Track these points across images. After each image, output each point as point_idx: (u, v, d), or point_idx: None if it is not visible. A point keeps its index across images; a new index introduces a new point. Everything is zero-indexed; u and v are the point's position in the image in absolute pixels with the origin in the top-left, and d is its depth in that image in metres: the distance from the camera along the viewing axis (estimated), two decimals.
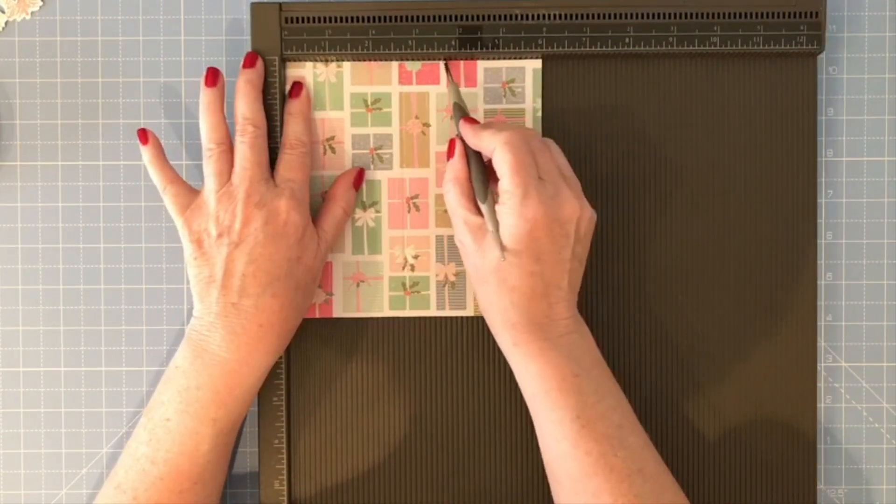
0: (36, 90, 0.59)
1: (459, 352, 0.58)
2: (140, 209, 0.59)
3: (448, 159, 0.57)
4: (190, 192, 0.55)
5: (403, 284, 0.59)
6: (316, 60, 0.58)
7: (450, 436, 0.58)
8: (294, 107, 0.57)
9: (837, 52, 0.59)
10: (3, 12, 0.59)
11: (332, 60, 0.58)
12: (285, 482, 0.58)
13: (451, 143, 0.57)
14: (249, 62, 0.56)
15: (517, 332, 0.52)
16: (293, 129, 0.57)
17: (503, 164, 0.52)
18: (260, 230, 0.54)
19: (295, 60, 0.58)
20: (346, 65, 0.58)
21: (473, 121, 0.56)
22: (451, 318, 0.59)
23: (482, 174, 0.55)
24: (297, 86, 0.58)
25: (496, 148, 0.53)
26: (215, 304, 0.54)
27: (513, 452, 0.58)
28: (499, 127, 0.54)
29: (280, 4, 0.57)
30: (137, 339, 0.59)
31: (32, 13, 0.59)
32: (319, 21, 0.57)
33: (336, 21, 0.57)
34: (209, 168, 0.55)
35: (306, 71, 0.58)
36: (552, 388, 0.52)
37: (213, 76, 0.56)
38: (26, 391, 0.59)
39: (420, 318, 0.59)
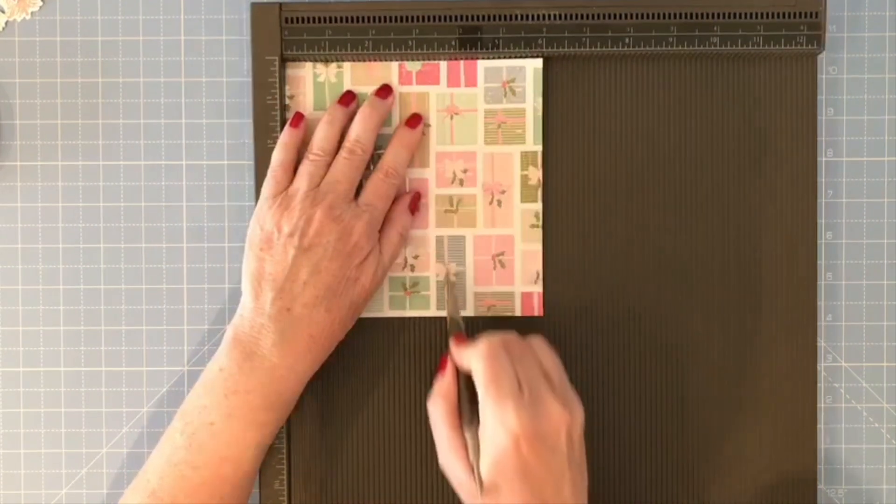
0: (36, 90, 0.59)
1: None
2: (140, 209, 0.59)
3: (438, 375, 0.54)
4: (286, 187, 0.56)
5: (403, 284, 0.59)
6: (316, 60, 0.58)
7: None
8: (407, 138, 0.57)
9: (837, 52, 0.59)
10: (3, 12, 0.59)
11: (333, 60, 0.58)
12: (285, 482, 0.58)
13: (444, 360, 0.55)
14: (384, 93, 0.57)
15: None
16: (397, 158, 0.57)
17: (477, 376, 0.51)
18: (331, 244, 0.53)
19: (295, 60, 0.58)
20: (346, 65, 0.58)
21: (463, 339, 0.54)
22: None
23: (470, 397, 0.53)
24: (416, 117, 0.58)
25: (472, 361, 0.51)
26: (269, 305, 0.53)
27: None
28: (482, 339, 0.52)
29: (280, 5, 0.57)
30: (137, 339, 0.59)
31: (32, 13, 0.59)
32: (319, 21, 0.57)
33: (336, 21, 0.57)
34: (306, 168, 0.55)
35: (306, 71, 0.58)
36: None
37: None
38: (26, 391, 0.59)
39: (420, 318, 0.59)
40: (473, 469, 0.51)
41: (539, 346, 0.53)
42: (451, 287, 0.58)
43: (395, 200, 0.58)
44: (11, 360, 0.59)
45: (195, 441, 0.52)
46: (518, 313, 0.58)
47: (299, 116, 0.57)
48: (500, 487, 0.49)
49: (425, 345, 0.59)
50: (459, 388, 0.53)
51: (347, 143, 0.56)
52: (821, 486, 0.59)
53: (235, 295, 0.59)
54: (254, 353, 0.53)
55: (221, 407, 0.52)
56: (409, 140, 0.57)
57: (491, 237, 0.58)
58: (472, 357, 0.51)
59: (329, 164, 0.56)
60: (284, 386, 0.53)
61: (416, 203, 0.58)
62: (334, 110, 0.57)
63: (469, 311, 0.58)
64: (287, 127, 0.57)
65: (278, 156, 0.56)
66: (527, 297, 0.58)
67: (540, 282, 0.58)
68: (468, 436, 0.52)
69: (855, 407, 0.59)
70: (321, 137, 0.56)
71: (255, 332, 0.53)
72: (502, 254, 0.58)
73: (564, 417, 0.50)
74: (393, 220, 0.57)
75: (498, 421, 0.49)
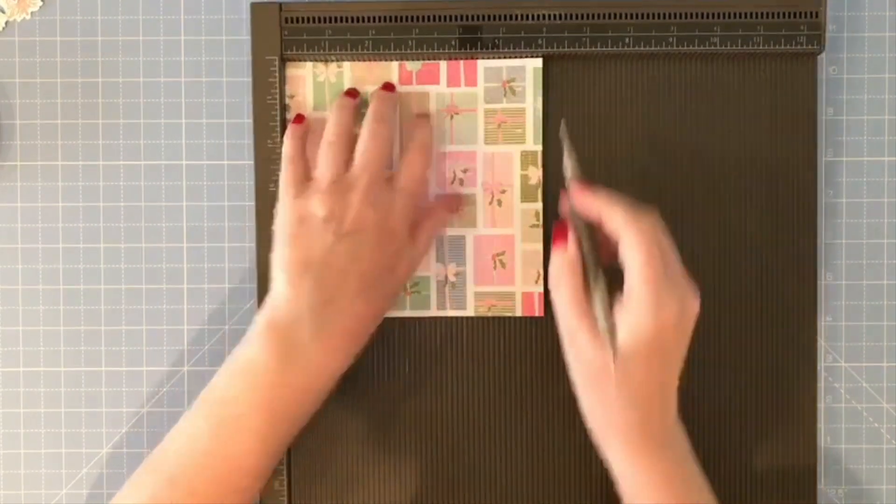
0: (36, 90, 0.59)
1: (459, 352, 0.58)
2: (140, 209, 0.59)
3: (557, 247, 0.53)
4: (307, 176, 0.54)
5: (404, 285, 0.59)
6: (316, 60, 0.58)
7: (450, 436, 0.58)
8: (423, 118, 0.58)
9: (838, 52, 0.59)
10: (3, 12, 0.59)
11: (333, 60, 0.58)
12: (285, 482, 0.58)
13: (559, 228, 0.53)
14: (390, 88, 0.57)
15: (631, 440, 0.50)
16: (423, 134, 0.57)
17: (635, 257, 0.49)
18: (370, 230, 0.52)
19: (295, 60, 0.58)
20: (347, 65, 0.58)
21: (587, 185, 0.53)
22: (451, 318, 0.59)
23: (596, 255, 0.52)
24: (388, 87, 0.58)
25: (629, 234, 0.50)
26: (308, 296, 0.51)
27: (513, 452, 0.58)
28: (628, 208, 0.51)
29: (280, 4, 0.57)
30: (137, 339, 0.59)
31: (32, 13, 0.59)
32: (319, 21, 0.57)
33: (336, 21, 0.57)
34: (327, 153, 0.54)
35: (306, 71, 0.58)
36: (661, 500, 0.50)
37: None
38: (26, 391, 0.59)
39: (420, 318, 0.59)
40: (603, 338, 0.50)
41: (665, 233, 0.52)
42: (565, 135, 0.55)
43: (439, 198, 0.58)
44: (11, 360, 0.59)
45: (221, 431, 0.50)
46: (519, 313, 0.58)
47: (301, 116, 0.57)
48: (633, 362, 0.49)
49: (426, 345, 0.58)
50: (583, 253, 0.52)
51: (370, 120, 0.55)
52: (821, 486, 0.59)
53: (235, 295, 0.59)
54: (292, 346, 0.50)
55: (252, 399, 0.50)
56: (427, 120, 0.57)
57: (491, 237, 0.58)
58: (632, 234, 0.49)
59: (349, 148, 0.54)
60: (318, 382, 0.52)
61: (456, 205, 0.58)
62: (342, 99, 0.56)
63: (469, 311, 0.58)
64: (290, 123, 0.56)
65: (290, 145, 0.55)
66: (527, 296, 0.58)
67: (540, 282, 0.58)
68: (596, 299, 0.51)
69: (855, 407, 0.59)
70: (336, 122, 0.55)
71: (294, 323, 0.51)
72: (503, 253, 0.58)
73: (696, 307, 0.51)
74: (430, 213, 0.56)
75: (653, 311, 0.49)
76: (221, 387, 0.52)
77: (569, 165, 0.54)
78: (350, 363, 0.53)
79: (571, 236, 0.53)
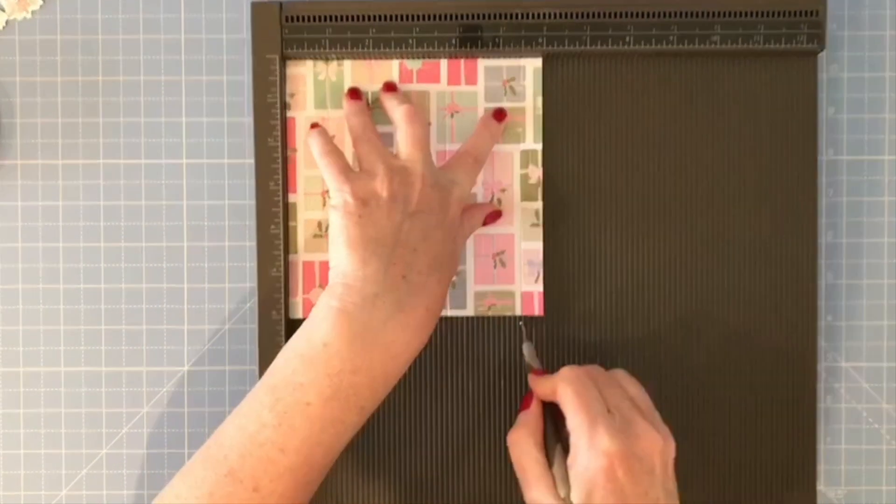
0: (36, 89, 0.59)
1: (459, 352, 0.58)
2: (140, 208, 0.59)
3: (522, 411, 0.52)
4: (346, 165, 0.53)
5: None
6: (316, 59, 0.58)
7: (449, 436, 0.58)
8: (493, 127, 0.57)
9: (838, 51, 0.59)
10: (4, 11, 0.59)
11: (333, 59, 0.58)
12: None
13: (527, 399, 0.52)
14: (392, 88, 0.57)
15: None
16: (481, 143, 0.56)
17: (565, 401, 0.48)
18: (435, 211, 0.51)
19: (295, 59, 0.58)
20: (347, 63, 0.58)
21: (542, 372, 0.53)
22: (451, 318, 0.58)
23: (555, 431, 0.51)
24: (502, 112, 0.57)
25: (557, 385, 0.49)
26: (383, 273, 0.49)
27: None
28: (564, 368, 0.50)
29: (280, 3, 0.57)
30: (137, 339, 0.59)
31: (33, 12, 0.59)
32: (319, 20, 0.57)
33: (336, 20, 0.57)
34: (366, 147, 0.53)
35: (307, 70, 0.58)
36: None
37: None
38: (26, 391, 0.59)
39: None
40: (563, 501, 0.48)
41: (622, 377, 0.51)
42: (527, 336, 0.57)
43: (478, 207, 0.57)
44: (11, 360, 0.59)
45: (287, 421, 0.47)
46: (518, 313, 0.58)
47: (317, 124, 0.57)
48: None
49: (426, 345, 0.58)
50: (545, 423, 0.51)
51: (399, 110, 0.54)
52: (821, 487, 0.59)
53: (235, 295, 0.59)
54: (367, 328, 0.48)
55: (322, 387, 0.47)
56: (495, 130, 0.57)
57: (491, 236, 0.58)
58: (559, 382, 0.49)
59: (383, 142, 0.54)
60: (394, 367, 0.49)
61: (494, 217, 0.57)
62: (352, 105, 0.56)
63: (469, 311, 0.58)
64: (311, 129, 0.56)
65: (320, 142, 0.54)
66: (527, 296, 0.58)
67: (540, 281, 0.58)
68: (556, 467, 0.49)
69: (855, 407, 0.59)
70: (359, 125, 0.55)
71: (368, 303, 0.48)
72: (503, 253, 0.58)
73: (657, 440, 0.47)
74: (471, 215, 0.56)
75: (590, 443, 0.46)
76: (288, 373, 0.48)
77: (527, 353, 0.55)
78: (424, 347, 0.51)
79: (535, 402, 0.52)
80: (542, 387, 0.51)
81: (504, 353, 0.58)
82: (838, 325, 0.59)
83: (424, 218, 0.51)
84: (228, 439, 0.48)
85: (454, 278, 0.58)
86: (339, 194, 0.51)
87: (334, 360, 0.48)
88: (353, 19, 0.57)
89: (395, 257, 0.49)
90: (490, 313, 0.58)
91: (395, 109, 0.55)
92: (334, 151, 0.54)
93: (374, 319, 0.48)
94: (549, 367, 0.58)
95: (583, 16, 0.57)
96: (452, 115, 0.58)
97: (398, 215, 0.50)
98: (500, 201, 0.58)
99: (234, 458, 0.47)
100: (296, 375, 0.48)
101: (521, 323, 0.58)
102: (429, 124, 0.58)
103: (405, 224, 0.50)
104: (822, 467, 0.59)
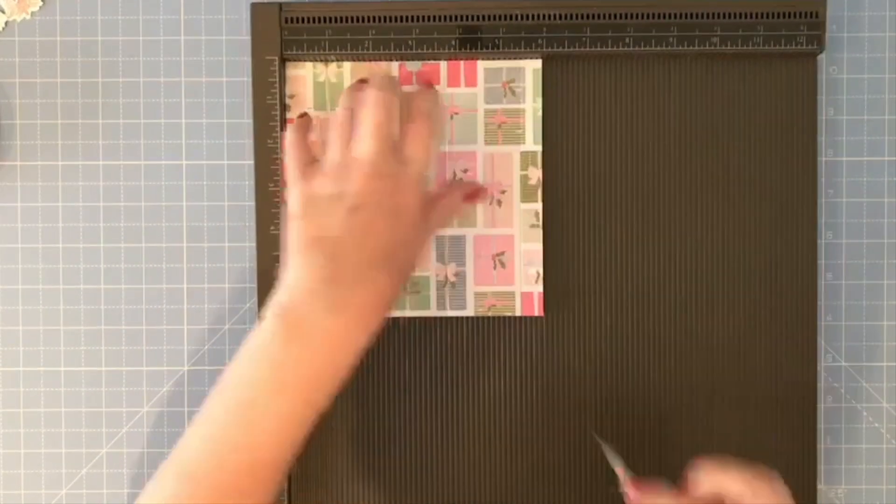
0: (36, 90, 0.59)
1: (459, 352, 0.58)
2: (140, 209, 0.59)
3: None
4: (311, 162, 0.53)
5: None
6: (316, 60, 0.58)
7: (449, 435, 0.58)
8: (427, 90, 0.56)
9: (838, 52, 0.59)
10: (3, 12, 0.59)
11: (333, 60, 0.58)
12: (285, 482, 0.58)
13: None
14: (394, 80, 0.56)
15: None
16: (426, 100, 0.55)
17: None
18: (382, 203, 0.50)
19: (295, 60, 0.58)
20: (347, 65, 0.58)
21: (641, 483, 0.51)
22: (451, 318, 0.59)
23: None
24: (429, 83, 0.57)
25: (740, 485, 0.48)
26: (321, 270, 0.49)
27: (513, 452, 0.58)
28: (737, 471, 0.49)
29: (280, 4, 0.57)
30: (137, 339, 0.59)
31: (32, 13, 0.59)
32: (319, 21, 0.57)
33: (336, 21, 0.57)
34: (335, 131, 0.52)
35: (306, 71, 0.58)
36: None
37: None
38: (26, 391, 0.59)
39: (420, 318, 0.59)
40: None
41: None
42: (605, 444, 0.56)
43: (456, 185, 0.57)
44: (11, 359, 0.59)
45: (236, 418, 0.48)
46: (518, 313, 0.58)
47: (304, 113, 0.57)
48: None
49: (425, 345, 0.58)
50: None
51: (369, 91, 0.52)
52: (821, 486, 0.59)
53: (235, 295, 0.59)
54: (306, 323, 0.48)
55: (268, 381, 0.48)
56: (432, 90, 0.57)
57: (491, 237, 0.58)
58: (742, 481, 0.48)
59: (343, 133, 0.53)
60: (339, 355, 0.49)
61: (476, 195, 0.57)
62: (353, 85, 0.56)
63: (469, 311, 0.58)
64: (294, 119, 0.56)
65: (291, 134, 0.54)
66: (527, 296, 0.58)
67: (540, 282, 0.58)
68: None
69: (855, 407, 0.59)
70: (344, 105, 0.54)
71: (307, 299, 0.48)
72: (502, 253, 0.58)
73: None
74: (445, 194, 0.56)
75: None
76: (236, 372, 0.49)
77: (617, 465, 0.54)
78: (369, 340, 0.51)
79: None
80: (726, 482, 0.49)
81: (504, 353, 0.58)
82: (838, 325, 0.59)
83: (368, 211, 0.50)
84: (186, 443, 0.49)
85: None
86: (292, 197, 0.52)
87: (276, 353, 0.48)
88: (352, 21, 0.57)
89: (336, 255, 0.49)
90: (490, 314, 0.58)
91: (367, 90, 0.53)
92: (298, 143, 0.54)
93: (311, 315, 0.48)
94: (549, 368, 0.58)
95: (582, 17, 0.57)
96: (452, 117, 0.58)
97: (341, 212, 0.50)
98: (500, 202, 0.58)
99: (192, 461, 0.48)
100: (242, 374, 0.49)
101: (594, 432, 0.57)
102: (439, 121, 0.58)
103: (348, 220, 0.50)
104: (822, 467, 0.59)
